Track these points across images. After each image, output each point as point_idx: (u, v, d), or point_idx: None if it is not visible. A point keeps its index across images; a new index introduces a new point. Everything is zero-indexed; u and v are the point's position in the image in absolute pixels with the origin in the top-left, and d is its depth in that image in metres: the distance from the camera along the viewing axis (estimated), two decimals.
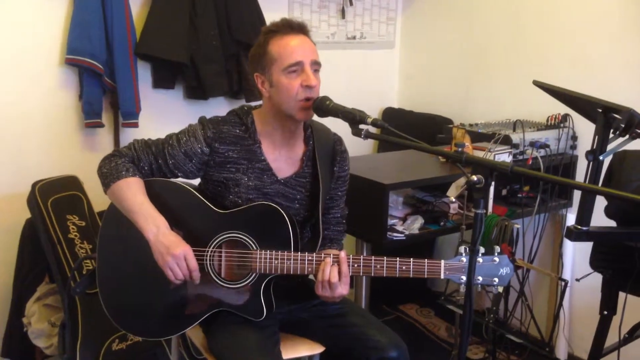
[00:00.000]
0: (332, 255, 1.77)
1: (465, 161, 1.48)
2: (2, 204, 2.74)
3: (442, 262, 1.71)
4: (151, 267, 1.82)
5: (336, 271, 1.75)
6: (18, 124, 2.74)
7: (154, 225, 1.77)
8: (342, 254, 1.76)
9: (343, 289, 1.76)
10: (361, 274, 1.79)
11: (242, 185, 1.87)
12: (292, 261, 1.78)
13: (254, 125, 1.90)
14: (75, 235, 2.58)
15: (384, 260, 1.74)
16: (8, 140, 2.73)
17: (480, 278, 1.68)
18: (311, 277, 2.11)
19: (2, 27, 2.64)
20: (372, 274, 1.77)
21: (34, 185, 2.59)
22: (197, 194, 1.88)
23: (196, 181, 1.98)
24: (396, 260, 1.73)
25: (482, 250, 1.67)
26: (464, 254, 1.70)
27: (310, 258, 1.78)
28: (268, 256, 1.78)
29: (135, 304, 1.89)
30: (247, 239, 1.81)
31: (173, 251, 1.73)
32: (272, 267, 1.78)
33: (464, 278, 1.69)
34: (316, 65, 1.83)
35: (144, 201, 1.80)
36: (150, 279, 1.85)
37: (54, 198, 2.58)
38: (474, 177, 1.44)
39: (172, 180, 1.91)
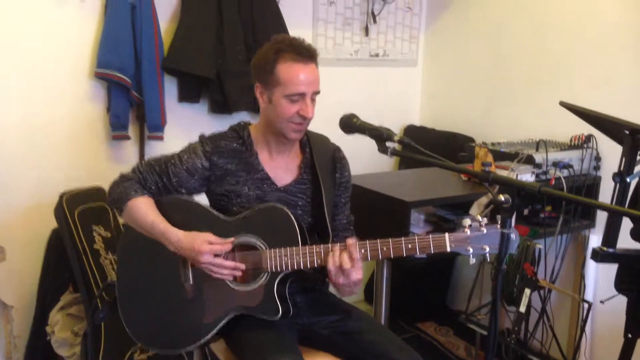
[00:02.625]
0: (339, 244, 1.79)
1: (493, 181, 1.49)
2: (29, 214, 2.79)
3: (447, 234, 1.71)
4: (168, 279, 1.89)
5: (346, 256, 1.76)
6: (47, 135, 2.79)
7: (171, 239, 1.83)
8: (350, 240, 1.77)
9: (357, 274, 1.76)
10: (369, 258, 1.79)
11: (243, 196, 1.93)
12: (300, 255, 1.80)
13: (250, 138, 1.97)
14: (101, 246, 2.61)
15: (389, 242, 1.75)
16: (36, 151, 2.78)
17: (487, 247, 1.68)
18: (332, 289, 2.14)
19: (34, 40, 2.70)
20: (380, 257, 1.79)
21: (61, 195, 2.63)
22: (203, 205, 1.95)
23: (202, 199, 2.03)
24: (401, 240, 1.74)
25: (484, 220, 1.68)
26: (466, 226, 1.70)
27: (318, 250, 1.80)
28: (277, 254, 1.81)
29: (154, 318, 1.92)
30: (256, 241, 1.85)
31: (198, 253, 1.78)
32: (282, 264, 1.81)
33: (471, 249, 1.69)
34: (316, 94, 1.88)
35: (154, 219, 1.87)
36: (168, 291, 1.90)
37: (81, 209, 2.62)
38: (502, 197, 1.45)
39: (178, 196, 1.96)
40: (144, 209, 1.88)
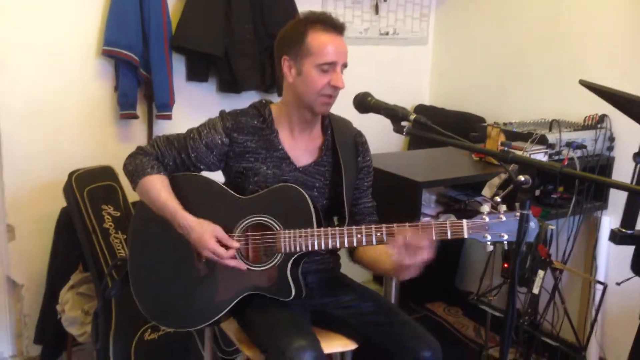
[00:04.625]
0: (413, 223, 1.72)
1: (512, 160, 1.46)
2: (38, 193, 2.77)
3: (464, 221, 1.69)
4: (180, 257, 1.88)
5: (417, 232, 1.69)
6: (55, 114, 2.77)
7: (181, 223, 1.82)
8: (423, 220, 1.71)
9: (424, 254, 1.68)
10: (385, 242, 1.76)
11: (261, 175, 1.91)
12: (315, 237, 1.79)
13: (271, 116, 1.95)
14: (110, 225, 2.60)
15: (405, 226, 1.73)
16: (45, 130, 2.76)
17: (505, 235, 1.65)
18: (343, 270, 2.13)
19: (41, 20, 2.67)
20: None
21: (70, 174, 2.62)
22: (219, 183, 1.94)
23: (218, 176, 2.01)
24: (418, 225, 1.72)
25: (503, 207, 1.66)
26: (485, 213, 1.67)
27: (333, 232, 1.79)
28: (292, 234, 1.80)
29: (166, 295, 1.92)
30: (270, 221, 1.84)
31: (204, 247, 1.78)
32: (296, 245, 1.80)
33: (489, 237, 1.67)
34: (344, 67, 1.88)
35: (167, 198, 1.85)
36: (180, 269, 1.90)
37: (90, 188, 2.61)
38: (521, 178, 1.42)
39: (195, 173, 1.96)
40: (157, 187, 1.86)
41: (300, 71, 1.85)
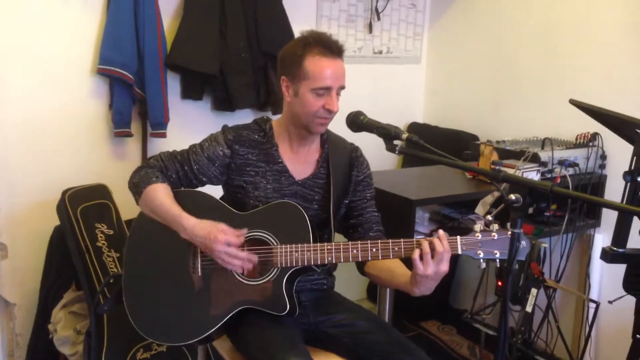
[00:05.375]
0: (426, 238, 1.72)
1: (503, 179, 1.47)
2: (31, 211, 2.77)
3: (458, 237, 1.70)
4: (175, 272, 1.88)
5: (438, 241, 1.67)
6: (49, 132, 2.77)
7: (185, 225, 1.82)
8: (441, 231, 1.70)
9: (445, 265, 1.67)
10: (380, 257, 1.76)
11: (260, 189, 1.93)
12: (312, 252, 1.79)
13: (272, 130, 1.98)
14: (103, 244, 2.59)
15: (401, 242, 1.73)
16: (39, 148, 2.76)
17: (497, 252, 1.66)
18: (336, 288, 2.13)
19: (37, 37, 2.68)
20: (391, 257, 1.75)
21: (64, 192, 2.61)
22: (217, 199, 1.95)
23: (217, 191, 2.02)
24: (413, 241, 1.72)
25: (496, 226, 1.67)
26: (478, 230, 1.68)
27: (329, 247, 1.79)
28: (288, 249, 1.80)
29: (159, 310, 1.91)
30: (267, 237, 1.85)
31: (213, 241, 1.76)
32: (292, 260, 1.80)
33: (482, 254, 1.67)
34: (341, 89, 1.89)
35: (170, 204, 1.86)
36: (174, 284, 1.89)
37: (83, 206, 2.60)
38: (512, 196, 1.43)
39: (193, 189, 1.98)
40: (161, 194, 1.88)
41: (297, 93, 1.87)
